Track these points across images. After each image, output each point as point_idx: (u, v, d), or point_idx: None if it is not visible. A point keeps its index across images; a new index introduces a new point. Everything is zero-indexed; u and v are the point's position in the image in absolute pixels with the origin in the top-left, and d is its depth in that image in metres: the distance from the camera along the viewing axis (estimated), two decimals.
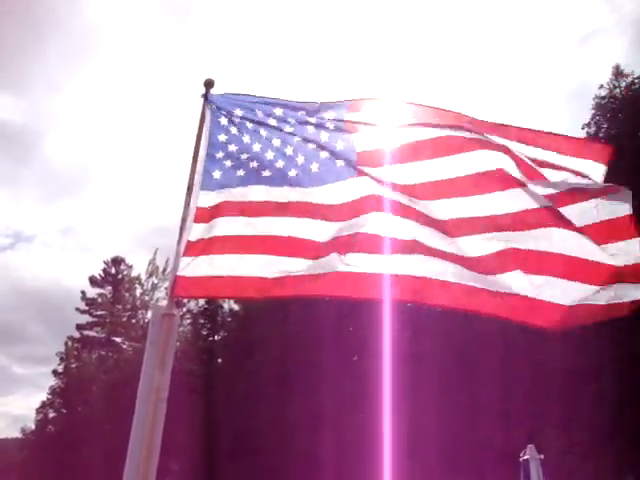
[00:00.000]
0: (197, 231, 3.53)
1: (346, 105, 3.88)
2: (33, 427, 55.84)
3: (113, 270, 54.34)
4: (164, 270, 48.52)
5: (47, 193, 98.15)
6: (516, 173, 3.46)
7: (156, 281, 50.34)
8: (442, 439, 21.86)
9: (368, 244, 3.48)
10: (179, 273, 3.44)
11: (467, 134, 3.61)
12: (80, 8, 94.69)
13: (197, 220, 3.55)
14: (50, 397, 52.99)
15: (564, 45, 77.01)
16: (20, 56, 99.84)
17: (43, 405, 53.76)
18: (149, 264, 50.81)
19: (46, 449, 47.24)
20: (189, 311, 38.36)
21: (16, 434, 61.96)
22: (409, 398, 20.49)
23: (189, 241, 3.50)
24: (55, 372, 52.66)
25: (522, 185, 3.45)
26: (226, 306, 37.44)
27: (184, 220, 3.58)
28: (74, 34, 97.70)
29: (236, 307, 36.38)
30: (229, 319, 37.79)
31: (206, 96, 4.00)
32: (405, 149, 3.68)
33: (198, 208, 3.58)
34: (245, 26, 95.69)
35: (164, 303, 3.53)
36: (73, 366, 51.59)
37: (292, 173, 3.71)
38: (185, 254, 3.47)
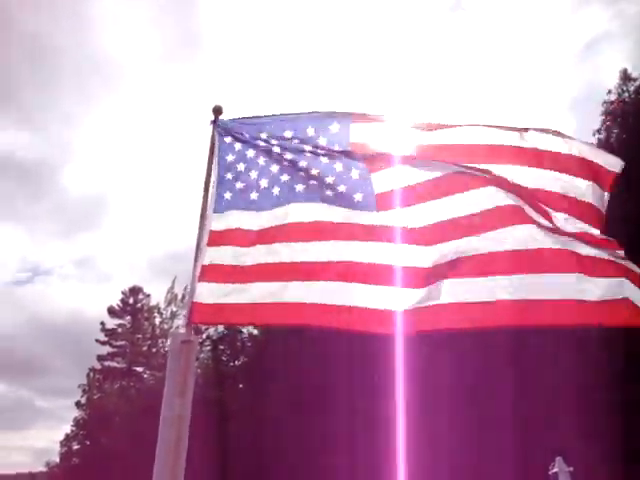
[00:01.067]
0: (211, 255, 3.54)
1: (350, 122, 3.86)
2: (58, 460, 55.73)
3: (131, 300, 54.50)
4: (182, 297, 48.60)
5: (63, 226, 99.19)
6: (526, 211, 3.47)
7: (175, 309, 50.35)
8: (461, 455, 21.57)
9: (385, 276, 3.44)
10: (195, 299, 3.44)
11: (471, 171, 3.56)
12: (92, 42, 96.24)
13: (210, 244, 3.55)
14: (74, 429, 52.97)
15: (569, 52, 76.88)
16: (33, 93, 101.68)
17: (67, 437, 53.70)
18: (167, 292, 50.89)
19: None
20: (209, 337, 38.34)
21: (41, 467, 61.90)
22: (427, 415, 20.29)
23: (204, 266, 3.50)
24: (78, 404, 52.70)
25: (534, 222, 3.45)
26: (245, 331, 37.41)
27: (199, 245, 3.59)
28: (87, 68, 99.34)
29: (255, 332, 36.34)
30: (249, 344, 37.72)
31: (215, 122, 4.04)
32: (409, 190, 3.64)
33: (211, 232, 3.58)
34: (257, 54, 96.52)
35: (183, 330, 3.52)
36: (95, 397, 51.61)
37: (299, 188, 3.70)
38: (200, 279, 3.47)
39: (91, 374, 52.95)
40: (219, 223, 3.62)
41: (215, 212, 3.65)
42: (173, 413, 3.17)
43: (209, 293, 3.44)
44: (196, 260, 3.55)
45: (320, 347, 27.63)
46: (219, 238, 3.58)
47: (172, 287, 50.49)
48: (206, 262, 3.51)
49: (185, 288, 47.83)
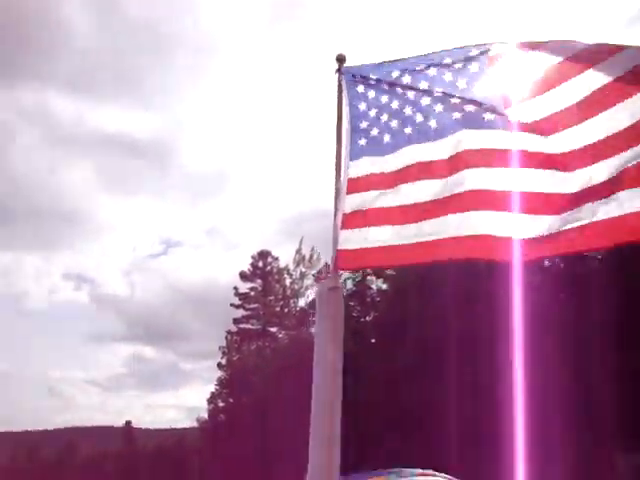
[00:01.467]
0: (351, 203, 3.56)
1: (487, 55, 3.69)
2: (207, 417, 59.27)
3: (261, 263, 56.30)
4: (310, 257, 49.65)
5: (188, 198, 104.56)
6: None
7: (304, 269, 51.49)
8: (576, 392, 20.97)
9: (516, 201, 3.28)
10: (339, 247, 3.49)
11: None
12: (196, 19, 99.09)
13: (349, 191, 3.58)
14: (218, 388, 56.08)
15: (613, 26, 69.71)
16: (148, 74, 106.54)
17: (213, 396, 56.96)
18: (296, 253, 52.01)
19: (221, 436, 50.10)
20: None
21: (193, 424, 66.10)
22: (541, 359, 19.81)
23: (344, 214, 3.54)
24: (219, 365, 55.68)
25: None
26: (374, 287, 37.77)
27: (337, 195, 3.63)
28: (193, 44, 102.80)
29: (384, 287, 36.58)
30: (378, 299, 38.08)
31: (340, 70, 4.01)
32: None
33: (349, 179, 3.60)
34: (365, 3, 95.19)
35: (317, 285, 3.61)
36: (235, 358, 54.26)
37: (433, 125, 3.61)
38: (342, 227, 3.51)
39: (228, 337, 55.62)
40: (355, 170, 3.63)
41: (351, 160, 3.65)
42: (326, 359, 3.25)
43: (352, 239, 3.48)
44: (336, 209, 3.61)
45: (444, 299, 27.49)
46: (357, 185, 3.59)
47: (300, 248, 51.53)
48: (347, 210, 3.54)
49: (312, 248, 48.95)
